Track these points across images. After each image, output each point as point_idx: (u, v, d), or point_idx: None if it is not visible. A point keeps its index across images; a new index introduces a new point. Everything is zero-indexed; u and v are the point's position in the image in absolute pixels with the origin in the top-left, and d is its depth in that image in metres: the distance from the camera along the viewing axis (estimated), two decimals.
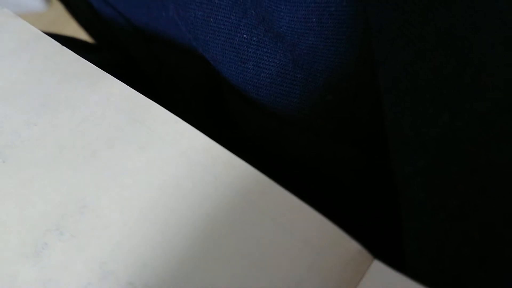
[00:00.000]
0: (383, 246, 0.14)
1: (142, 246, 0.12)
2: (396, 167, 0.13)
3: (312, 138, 0.16)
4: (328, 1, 0.15)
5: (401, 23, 0.12)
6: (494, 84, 0.11)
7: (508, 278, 0.11)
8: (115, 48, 0.25)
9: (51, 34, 0.18)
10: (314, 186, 0.17)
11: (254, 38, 0.16)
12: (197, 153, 0.14)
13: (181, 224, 0.13)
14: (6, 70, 0.16)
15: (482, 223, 0.12)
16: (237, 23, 0.17)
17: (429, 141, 0.12)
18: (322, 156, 0.16)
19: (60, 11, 0.73)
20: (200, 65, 0.19)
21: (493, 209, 0.11)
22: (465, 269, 0.12)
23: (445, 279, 0.12)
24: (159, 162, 0.14)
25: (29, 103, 0.15)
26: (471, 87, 0.11)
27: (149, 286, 0.12)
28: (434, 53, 0.12)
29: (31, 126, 0.15)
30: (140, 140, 0.14)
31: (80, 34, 0.31)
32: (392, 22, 0.12)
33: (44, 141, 0.15)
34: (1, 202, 0.13)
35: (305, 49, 0.15)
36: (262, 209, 0.13)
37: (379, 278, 0.12)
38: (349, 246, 0.12)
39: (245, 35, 0.16)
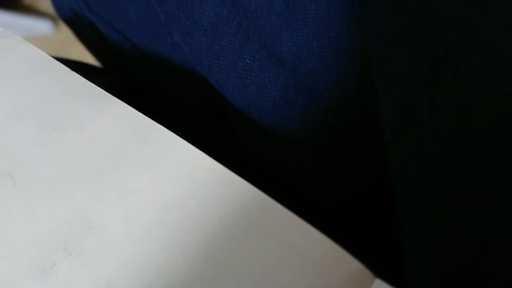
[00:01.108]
0: (385, 265, 0.14)
1: (147, 265, 0.13)
2: (395, 184, 0.13)
3: (314, 158, 0.16)
4: (328, 27, 0.15)
5: (398, 47, 0.13)
6: (490, 103, 0.12)
7: None
8: (122, 72, 0.25)
9: (60, 59, 0.19)
10: (316, 205, 0.17)
11: (257, 63, 0.17)
12: (201, 173, 0.14)
13: (186, 243, 0.13)
14: (16, 93, 0.17)
15: (482, 239, 0.12)
16: (240, 49, 0.17)
17: (427, 158, 0.12)
18: (324, 175, 0.17)
19: (67, 34, 0.75)
20: (204, 88, 0.19)
21: (492, 224, 0.12)
22: (465, 285, 0.12)
23: None
24: (164, 182, 0.14)
25: (39, 125, 0.16)
26: (467, 106, 0.12)
27: None
28: (430, 75, 0.12)
29: (40, 147, 0.15)
30: (145, 161, 0.15)
31: (87, 56, 0.32)
32: (389, 47, 0.13)
33: (53, 162, 0.15)
34: (10, 222, 0.14)
35: (306, 73, 0.16)
36: (265, 228, 0.13)
37: None
38: (351, 264, 0.12)
39: (248, 60, 0.17)
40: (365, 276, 0.12)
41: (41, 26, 0.78)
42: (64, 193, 0.14)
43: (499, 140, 0.11)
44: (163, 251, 0.13)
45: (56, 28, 0.79)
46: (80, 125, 0.16)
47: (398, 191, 0.13)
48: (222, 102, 0.19)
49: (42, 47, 0.19)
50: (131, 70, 0.23)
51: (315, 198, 0.18)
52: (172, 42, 0.20)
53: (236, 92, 0.17)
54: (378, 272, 0.12)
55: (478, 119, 0.12)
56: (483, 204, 0.12)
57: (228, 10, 0.17)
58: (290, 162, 0.17)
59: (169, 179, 0.14)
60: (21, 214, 0.14)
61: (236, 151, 0.20)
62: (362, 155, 0.16)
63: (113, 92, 0.17)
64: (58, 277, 0.13)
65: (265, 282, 0.12)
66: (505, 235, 0.12)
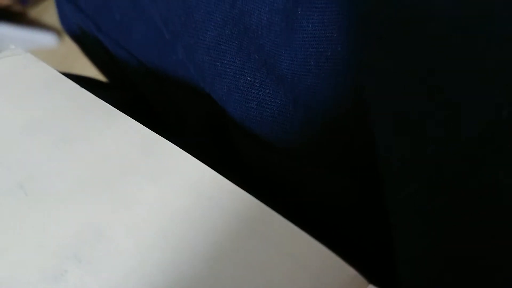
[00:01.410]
0: (378, 271, 0.14)
1: (153, 273, 0.13)
2: (388, 195, 0.13)
3: (311, 169, 0.17)
4: (325, 47, 0.16)
5: (389, 65, 0.14)
6: (473, 119, 0.12)
7: None
8: (127, 87, 0.26)
9: (68, 74, 0.20)
10: (313, 214, 0.18)
11: (257, 80, 0.17)
12: (205, 185, 0.15)
13: (190, 252, 0.13)
14: (29, 108, 0.18)
15: (472, 248, 0.13)
16: (242, 67, 0.18)
17: (417, 170, 0.13)
18: (321, 186, 0.17)
19: (71, 47, 0.76)
20: (207, 104, 0.20)
21: (482, 232, 0.12)
22: None
23: None
24: (170, 194, 0.15)
25: (50, 139, 0.17)
26: (452, 121, 0.13)
27: None
28: (417, 92, 0.13)
29: (51, 160, 0.16)
30: (152, 173, 0.15)
31: (90, 69, 0.33)
32: (381, 66, 0.14)
33: (63, 174, 0.16)
34: (23, 231, 0.14)
35: (304, 90, 0.17)
36: (265, 237, 0.14)
37: None
38: (345, 271, 0.13)
39: (249, 77, 0.18)
40: (359, 282, 0.13)
41: (46, 39, 0.80)
42: (74, 204, 0.15)
43: (483, 153, 0.12)
44: (169, 259, 0.13)
45: (60, 41, 0.81)
46: (90, 139, 0.16)
47: (390, 201, 0.13)
48: (224, 117, 0.19)
49: (46, 60, 0.20)
50: (137, 86, 0.24)
51: (313, 208, 0.18)
52: (177, 59, 0.20)
53: (237, 108, 0.18)
54: (372, 278, 0.13)
55: (462, 133, 0.12)
56: (474, 214, 0.12)
57: (230, 30, 0.18)
58: (289, 174, 0.18)
59: (174, 190, 0.15)
60: (33, 223, 0.15)
61: (237, 163, 0.20)
62: (358, 167, 0.16)
63: (120, 107, 0.17)
64: (68, 283, 0.13)
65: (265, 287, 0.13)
66: (493, 243, 0.12)
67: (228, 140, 0.20)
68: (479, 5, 0.13)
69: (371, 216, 0.16)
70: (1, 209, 0.15)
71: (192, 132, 0.22)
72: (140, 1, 0.21)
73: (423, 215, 0.13)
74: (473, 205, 0.12)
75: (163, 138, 0.16)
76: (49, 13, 0.85)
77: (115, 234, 0.14)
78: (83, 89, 0.18)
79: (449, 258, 0.13)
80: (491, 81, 0.13)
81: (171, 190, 0.15)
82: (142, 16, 0.21)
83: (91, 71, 0.34)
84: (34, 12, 0.87)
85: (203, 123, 0.21)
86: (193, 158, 0.15)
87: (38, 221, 0.15)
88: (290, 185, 0.18)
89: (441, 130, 0.13)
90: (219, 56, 0.18)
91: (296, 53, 0.17)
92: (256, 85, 0.18)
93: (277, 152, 0.18)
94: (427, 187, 0.13)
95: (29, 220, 0.15)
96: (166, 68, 0.21)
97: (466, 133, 0.12)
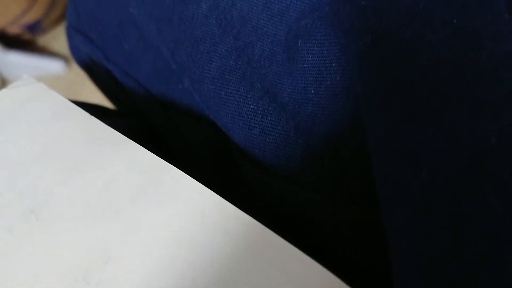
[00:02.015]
0: None
1: None
2: (385, 220, 0.14)
3: (312, 194, 0.18)
4: (324, 76, 0.17)
5: (383, 96, 0.14)
6: (463, 146, 0.13)
7: None
8: (135, 114, 0.27)
9: (78, 102, 0.21)
10: (315, 237, 0.18)
11: (260, 108, 0.18)
12: (210, 210, 0.15)
13: (196, 274, 0.14)
14: (41, 136, 0.18)
15: (465, 270, 0.13)
16: (245, 95, 0.18)
17: (411, 196, 0.13)
18: (322, 210, 0.18)
19: (78, 74, 0.78)
20: (211, 130, 0.20)
21: (475, 255, 0.13)
22: None
23: None
24: (177, 219, 0.15)
25: (61, 165, 0.17)
26: (444, 148, 0.13)
27: None
28: (412, 121, 0.14)
29: (62, 185, 0.17)
30: (159, 198, 0.16)
31: (97, 95, 0.34)
32: (376, 94, 0.14)
33: (74, 199, 0.16)
34: (34, 254, 0.15)
35: (305, 117, 0.17)
36: (268, 260, 0.14)
37: None
38: None
39: (252, 106, 0.18)
40: None
41: (54, 66, 0.81)
42: (84, 228, 0.15)
43: (472, 181, 0.13)
44: (175, 282, 0.14)
45: (68, 68, 0.82)
46: (99, 166, 0.17)
47: (387, 226, 0.14)
48: (228, 143, 0.20)
49: (54, 86, 0.21)
50: (144, 113, 0.25)
51: (314, 231, 0.19)
52: (183, 88, 0.21)
53: (241, 135, 0.19)
54: None
55: (454, 161, 0.13)
56: (468, 237, 0.13)
57: (234, 60, 0.19)
58: (291, 199, 0.18)
59: (181, 215, 0.15)
60: (43, 247, 0.15)
61: (241, 188, 0.21)
62: (358, 192, 0.17)
63: (128, 134, 0.18)
64: None
65: None
66: (490, 265, 0.13)
67: (232, 165, 0.21)
68: (467, 39, 0.14)
69: (370, 239, 0.17)
70: (13, 233, 0.15)
71: (197, 158, 0.23)
72: (148, 34, 0.22)
73: (418, 240, 0.13)
74: (466, 228, 0.13)
75: (170, 164, 0.17)
76: (57, 40, 0.88)
77: (122, 257, 0.15)
78: (93, 117, 0.19)
79: (442, 282, 0.13)
80: (480, 110, 0.13)
81: (177, 215, 0.15)
82: (150, 47, 0.22)
83: (98, 97, 0.35)
84: (43, 40, 0.89)
85: (208, 149, 0.22)
86: (198, 183, 0.16)
87: (49, 244, 0.15)
88: (291, 209, 0.19)
89: (433, 157, 0.13)
90: (223, 86, 0.19)
91: (297, 82, 0.17)
92: (258, 113, 0.18)
93: (279, 177, 0.18)
94: (421, 212, 0.13)
95: (39, 244, 0.15)
96: (172, 97, 0.22)
97: (457, 159, 0.13)
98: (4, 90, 0.21)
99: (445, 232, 0.13)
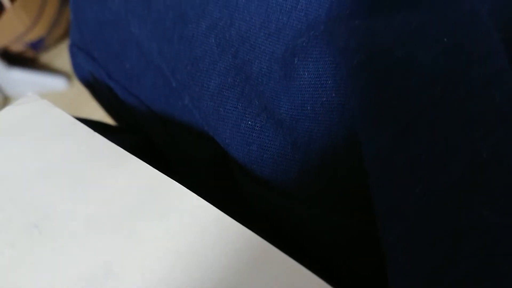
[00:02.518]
0: None
1: None
2: (381, 234, 0.14)
3: (310, 209, 0.18)
4: (320, 93, 0.17)
5: (377, 112, 0.15)
6: (456, 161, 0.13)
7: None
8: (136, 131, 0.27)
9: (81, 119, 0.21)
10: (313, 251, 0.19)
11: (258, 124, 0.19)
12: (210, 224, 0.15)
13: (197, 286, 0.14)
14: (45, 152, 0.19)
15: (461, 284, 0.13)
16: (243, 112, 0.19)
17: (407, 211, 0.13)
18: (319, 224, 0.18)
19: (80, 90, 0.79)
20: (211, 146, 0.21)
21: (470, 268, 0.13)
22: None
23: None
24: (177, 232, 0.15)
25: (64, 181, 0.18)
26: (437, 163, 0.14)
27: None
28: (405, 137, 0.14)
29: (65, 201, 0.17)
30: (160, 212, 0.16)
31: (98, 111, 0.35)
32: (370, 111, 0.15)
33: (76, 214, 0.16)
34: (35, 267, 0.15)
35: (302, 133, 0.18)
36: (269, 273, 0.14)
37: None
38: None
39: (250, 122, 0.19)
40: None
41: (56, 83, 0.82)
42: (86, 242, 0.16)
43: (466, 195, 0.13)
44: None
45: (70, 85, 0.83)
46: (102, 181, 0.17)
47: (383, 240, 0.14)
48: (227, 159, 0.20)
49: (57, 102, 0.21)
50: (145, 130, 0.25)
51: (313, 245, 0.19)
52: (183, 105, 0.22)
53: (239, 150, 0.19)
54: None
55: (447, 176, 0.13)
56: (463, 250, 0.13)
57: (232, 78, 0.19)
58: (289, 213, 0.18)
59: (182, 229, 0.16)
60: (46, 260, 0.15)
61: (240, 203, 0.21)
62: (355, 207, 0.17)
63: (130, 150, 0.19)
64: None
65: None
66: (487, 277, 0.13)
67: (231, 181, 0.21)
68: (457, 57, 0.15)
69: (368, 253, 0.17)
70: (16, 247, 0.16)
71: (197, 173, 0.23)
72: (149, 53, 0.23)
73: (414, 254, 0.13)
74: (462, 241, 0.13)
75: (171, 179, 0.17)
76: (59, 58, 0.89)
77: (124, 270, 0.15)
78: (96, 133, 0.20)
79: None
80: (472, 126, 0.14)
81: (178, 229, 0.16)
82: (151, 65, 0.23)
83: (100, 114, 0.35)
84: (46, 57, 0.90)
85: (208, 165, 0.22)
86: (199, 197, 0.16)
87: (51, 258, 0.15)
88: (290, 224, 0.19)
89: (427, 171, 0.14)
90: (222, 102, 0.19)
91: (294, 99, 0.18)
92: (256, 129, 0.19)
93: (278, 192, 0.18)
94: (417, 226, 0.13)
95: (42, 257, 0.15)
96: (173, 113, 0.23)
97: (450, 174, 0.13)
98: (9, 107, 0.21)
99: (441, 245, 0.13)
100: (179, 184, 0.17)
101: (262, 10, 0.19)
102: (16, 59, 0.84)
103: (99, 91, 0.28)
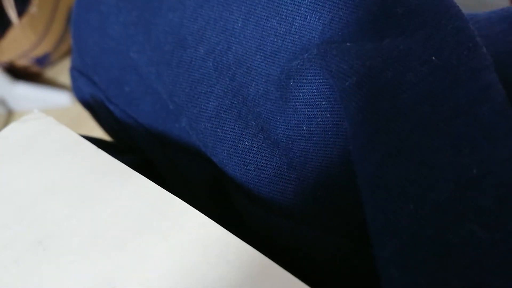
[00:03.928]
0: None
1: None
2: (375, 251, 0.14)
3: (306, 229, 0.18)
4: (315, 113, 0.18)
5: (369, 132, 0.15)
6: (446, 178, 0.14)
7: None
8: (135, 152, 0.28)
9: (86, 137, 0.22)
10: (310, 270, 0.19)
11: (255, 145, 0.19)
12: (212, 241, 0.16)
13: None
14: (50, 169, 0.19)
15: None
16: (240, 133, 0.19)
17: (400, 228, 0.14)
18: (315, 245, 0.18)
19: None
20: (208, 167, 0.21)
21: (463, 284, 0.13)
22: None
23: None
24: (180, 249, 0.16)
25: (69, 198, 0.18)
26: (428, 180, 0.14)
27: None
28: (396, 156, 0.14)
29: (69, 218, 0.17)
30: (163, 230, 0.16)
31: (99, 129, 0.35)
32: (362, 131, 0.15)
33: (81, 231, 0.17)
34: (39, 284, 0.15)
35: (298, 153, 0.18)
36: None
37: None
38: None
39: (246, 143, 0.19)
40: None
41: (60, 98, 0.83)
42: (90, 259, 0.16)
43: (456, 210, 0.13)
44: None
45: (73, 101, 0.84)
46: (106, 198, 0.18)
47: (377, 258, 0.14)
48: (225, 179, 0.21)
49: (60, 118, 0.21)
50: (144, 152, 0.26)
51: (309, 264, 0.19)
52: (180, 127, 0.22)
53: (237, 171, 0.19)
54: None
55: (436, 192, 0.14)
56: (456, 266, 0.13)
57: (229, 100, 0.20)
58: (286, 233, 0.19)
59: (184, 246, 0.16)
60: (50, 277, 0.15)
61: (238, 224, 0.21)
62: (351, 227, 0.17)
63: (131, 168, 0.19)
64: None
65: None
66: None
67: (229, 202, 0.21)
68: (444, 76, 0.15)
69: (364, 272, 0.17)
70: (21, 263, 0.16)
71: (195, 194, 0.23)
72: (148, 77, 0.23)
73: (408, 271, 0.13)
74: (454, 258, 0.13)
75: (174, 196, 0.17)
76: (64, 74, 0.90)
77: (127, 287, 0.15)
78: (100, 150, 0.20)
79: None
80: (460, 143, 0.14)
81: (181, 246, 0.16)
82: (149, 89, 0.24)
83: (100, 131, 0.36)
84: (51, 73, 0.91)
85: (205, 186, 0.23)
86: (202, 214, 0.16)
87: (55, 275, 0.16)
88: (287, 243, 0.19)
89: (418, 189, 0.14)
90: (219, 124, 0.20)
91: (290, 120, 0.18)
92: (253, 150, 0.19)
93: (274, 212, 0.19)
94: (409, 243, 0.14)
95: (46, 274, 0.16)
96: (170, 135, 0.23)
97: (441, 191, 0.14)
98: (14, 124, 0.22)
99: (433, 262, 0.13)
100: (182, 201, 0.17)
101: (258, 34, 0.19)
102: (21, 74, 0.85)
103: (99, 113, 0.29)
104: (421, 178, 0.14)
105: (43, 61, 0.86)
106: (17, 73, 0.85)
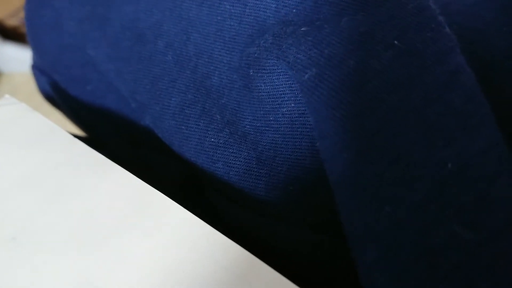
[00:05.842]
0: None
1: None
2: (355, 257, 0.13)
3: (279, 225, 0.17)
4: (279, 103, 0.17)
5: (334, 128, 0.14)
6: (421, 174, 0.13)
7: None
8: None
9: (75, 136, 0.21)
10: (290, 268, 0.18)
11: (221, 141, 0.18)
12: (197, 238, 0.15)
13: None
14: (23, 160, 0.18)
15: None
16: (205, 129, 0.18)
17: (379, 233, 0.13)
18: (289, 240, 0.17)
19: None
20: (178, 165, 0.21)
21: (450, 284, 0.13)
22: None
23: None
24: (163, 248, 0.15)
25: (43, 191, 0.17)
26: (402, 179, 0.13)
27: None
28: (367, 154, 0.13)
29: (45, 213, 0.16)
30: (145, 226, 0.15)
31: None
32: (327, 128, 0.14)
33: (56, 228, 0.16)
34: (15, 283, 0.14)
35: (267, 145, 0.17)
36: (255, 286, 0.14)
37: None
38: None
39: (213, 139, 0.18)
40: None
41: None
42: (67, 257, 0.15)
43: (433, 211, 0.13)
44: None
45: None
46: (83, 192, 0.17)
47: (359, 262, 0.13)
48: (197, 177, 0.20)
49: (49, 115, 0.20)
50: (115, 152, 0.25)
51: (287, 262, 0.18)
52: (144, 125, 0.21)
53: (206, 169, 0.19)
54: None
55: (413, 192, 0.13)
56: (441, 270, 0.12)
57: (192, 94, 0.19)
58: (262, 230, 0.18)
59: (168, 244, 0.15)
60: (24, 275, 0.15)
61: (217, 221, 0.21)
62: (323, 222, 0.17)
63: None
64: None
65: None
66: None
67: (204, 199, 0.21)
68: (410, 62, 0.14)
69: (345, 268, 0.16)
70: None
71: (170, 193, 0.23)
72: (107, 75, 0.22)
73: (391, 276, 0.13)
74: (438, 260, 0.12)
75: (156, 190, 0.17)
76: None
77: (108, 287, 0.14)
78: (77, 140, 0.19)
79: None
80: (433, 135, 0.13)
81: (164, 244, 0.15)
82: (111, 87, 0.23)
83: None
84: None
85: (178, 184, 0.22)
86: (186, 210, 0.16)
87: (30, 273, 0.15)
88: (266, 241, 0.19)
89: (392, 189, 0.13)
90: (184, 121, 0.19)
91: (256, 110, 0.18)
92: (220, 146, 0.18)
93: (247, 208, 0.18)
94: (390, 247, 0.13)
95: (20, 272, 0.15)
96: (137, 134, 0.22)
97: (417, 189, 0.13)
98: None
99: (417, 266, 0.13)
100: (165, 196, 0.16)
101: (214, 18, 0.19)
102: (10, 35, 0.82)
103: (66, 112, 0.28)
104: (394, 177, 0.13)
105: None
106: (6, 33, 0.82)
